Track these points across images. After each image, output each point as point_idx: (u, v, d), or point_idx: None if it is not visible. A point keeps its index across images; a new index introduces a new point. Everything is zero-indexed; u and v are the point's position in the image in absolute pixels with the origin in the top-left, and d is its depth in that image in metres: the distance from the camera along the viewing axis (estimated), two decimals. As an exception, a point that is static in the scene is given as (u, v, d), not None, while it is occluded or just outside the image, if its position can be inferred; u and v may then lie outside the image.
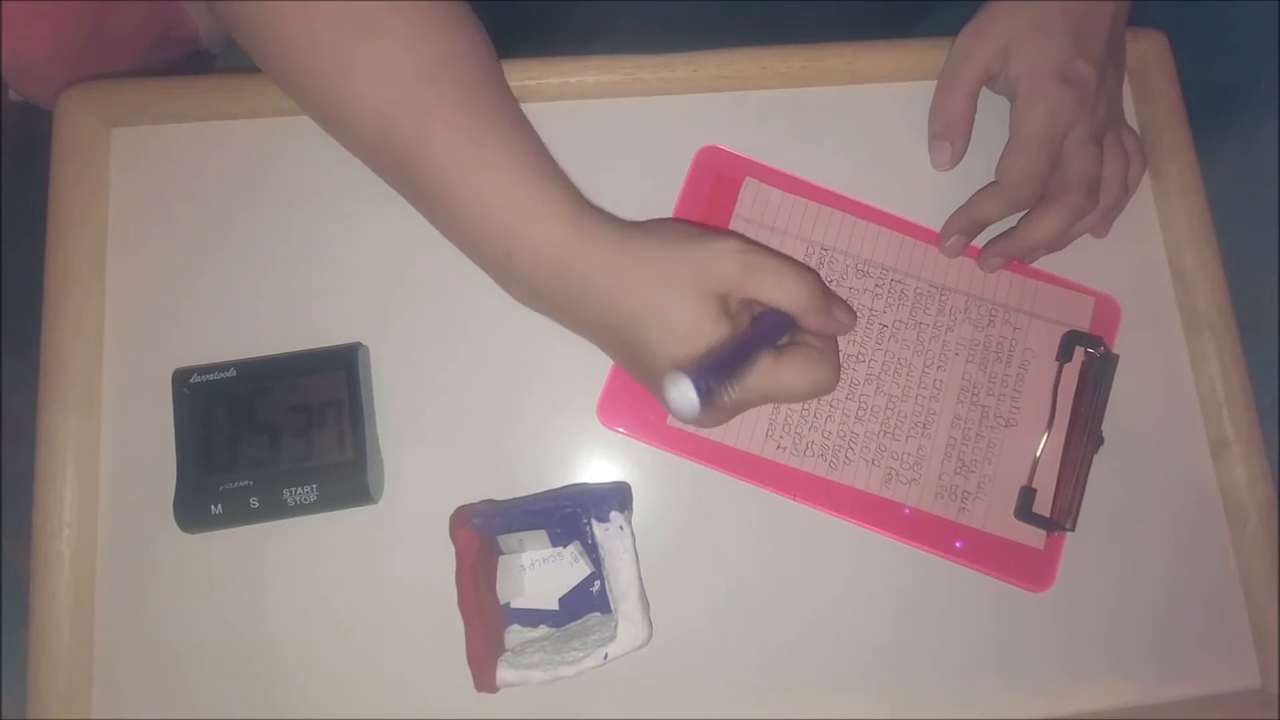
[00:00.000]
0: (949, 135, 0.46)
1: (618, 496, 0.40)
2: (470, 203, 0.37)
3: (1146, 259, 0.49)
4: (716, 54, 0.47)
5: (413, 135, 0.37)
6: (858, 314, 0.45)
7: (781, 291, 0.37)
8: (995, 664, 0.43)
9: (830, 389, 0.39)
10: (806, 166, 0.47)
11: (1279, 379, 0.57)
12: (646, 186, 0.46)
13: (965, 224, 0.46)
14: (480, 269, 0.41)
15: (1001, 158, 0.44)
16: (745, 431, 0.44)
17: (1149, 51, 0.50)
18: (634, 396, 0.44)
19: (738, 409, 0.40)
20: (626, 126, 0.45)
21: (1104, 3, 0.44)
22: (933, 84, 0.47)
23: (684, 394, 0.31)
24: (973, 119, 0.46)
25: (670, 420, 0.44)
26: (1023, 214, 0.46)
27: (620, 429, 0.44)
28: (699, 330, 0.36)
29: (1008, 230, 0.46)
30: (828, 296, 0.39)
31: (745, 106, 0.48)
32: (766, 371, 0.37)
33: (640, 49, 0.47)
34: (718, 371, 0.33)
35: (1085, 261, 0.48)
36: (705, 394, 0.31)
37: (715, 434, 0.44)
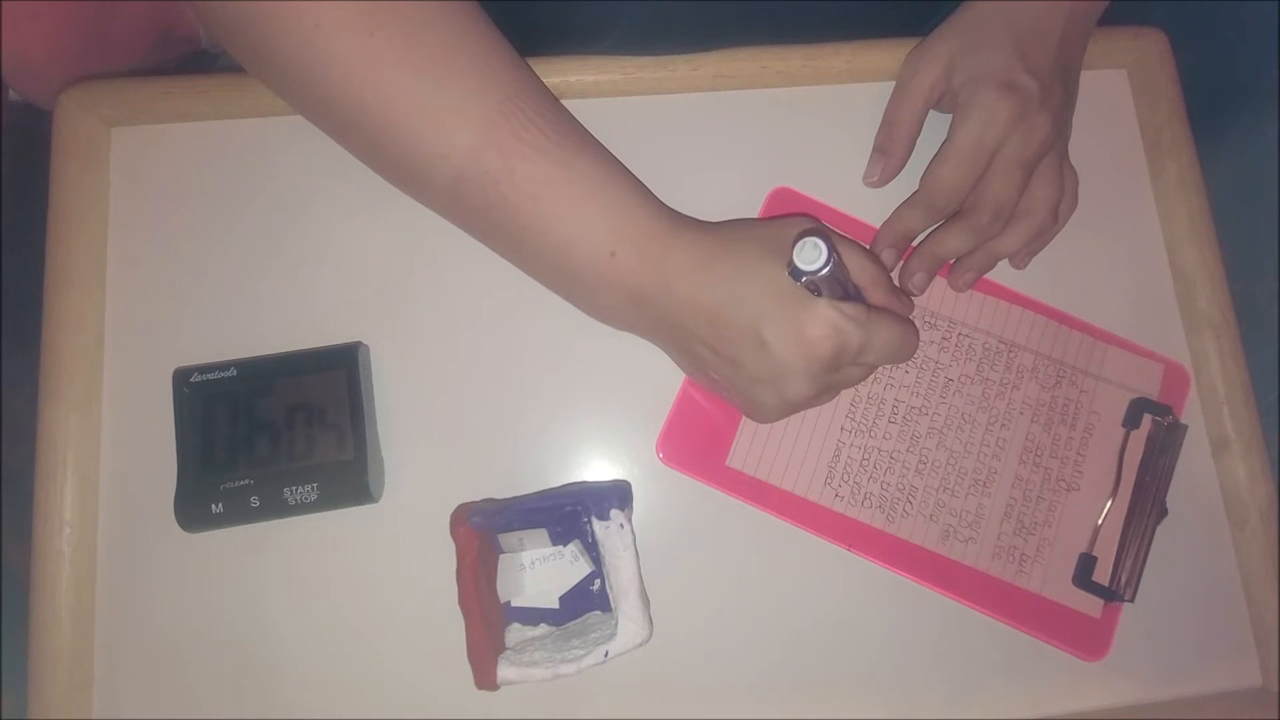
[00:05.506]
0: (886, 151, 0.46)
1: (618, 494, 0.40)
2: (569, 216, 0.38)
3: (1146, 257, 0.49)
4: (716, 54, 0.47)
5: (501, 165, 0.37)
6: (924, 367, 0.45)
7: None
8: (995, 664, 0.43)
9: (910, 355, 0.40)
10: (807, 164, 0.47)
11: (1279, 379, 0.58)
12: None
13: (891, 238, 0.45)
14: (560, 294, 0.41)
15: (928, 165, 0.44)
16: (804, 477, 0.44)
17: (1149, 51, 0.50)
18: (694, 437, 0.44)
19: (846, 376, 0.39)
20: (626, 126, 0.45)
21: (1053, 19, 0.43)
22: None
23: (817, 245, 0.33)
24: (914, 139, 0.46)
25: (729, 460, 0.44)
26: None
27: (680, 469, 0.44)
28: (784, 282, 0.36)
29: (921, 241, 0.45)
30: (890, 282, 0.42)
31: (747, 106, 0.48)
32: (866, 315, 0.37)
33: (640, 49, 0.47)
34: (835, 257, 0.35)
35: (1086, 262, 0.48)
36: (830, 251, 0.33)
37: (774, 478, 0.44)
